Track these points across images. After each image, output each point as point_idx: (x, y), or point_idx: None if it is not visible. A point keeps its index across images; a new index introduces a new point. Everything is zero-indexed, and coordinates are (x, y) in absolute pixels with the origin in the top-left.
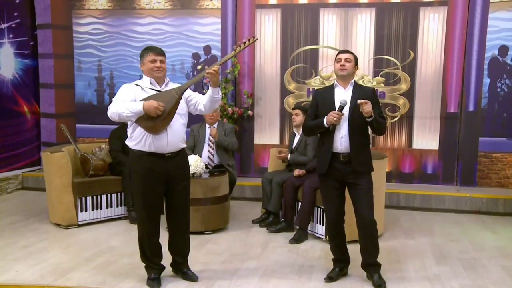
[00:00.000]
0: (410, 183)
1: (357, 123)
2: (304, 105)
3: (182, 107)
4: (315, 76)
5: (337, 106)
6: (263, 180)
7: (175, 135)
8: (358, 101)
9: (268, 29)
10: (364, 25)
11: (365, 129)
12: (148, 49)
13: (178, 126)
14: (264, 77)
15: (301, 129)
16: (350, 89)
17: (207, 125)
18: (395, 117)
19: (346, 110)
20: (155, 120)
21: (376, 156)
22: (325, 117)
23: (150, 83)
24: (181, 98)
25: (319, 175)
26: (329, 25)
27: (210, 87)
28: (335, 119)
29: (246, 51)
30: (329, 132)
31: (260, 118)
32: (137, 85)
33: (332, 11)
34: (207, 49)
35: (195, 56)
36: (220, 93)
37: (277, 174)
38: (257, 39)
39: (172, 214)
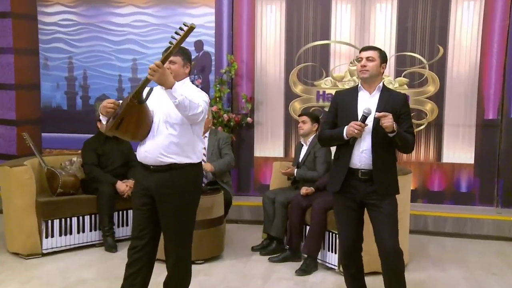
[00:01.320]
0: (439, 204)
1: (382, 136)
2: (313, 111)
3: (171, 116)
4: (326, 76)
5: (359, 114)
6: (265, 200)
7: (155, 146)
8: (376, 115)
9: (271, 22)
10: (384, 16)
11: (392, 144)
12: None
13: (163, 137)
14: (266, 78)
15: (309, 139)
16: (376, 95)
17: None
18: (421, 125)
19: (370, 120)
20: (109, 125)
21: (399, 172)
22: (345, 127)
23: None
24: (136, 102)
25: (332, 194)
26: (343, 17)
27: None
28: (356, 131)
29: (244, 47)
30: (348, 145)
31: (261, 126)
32: None
33: (346, 0)
34: (198, 44)
35: None
36: (179, 98)
37: (281, 193)
38: (194, 26)
39: (164, 242)
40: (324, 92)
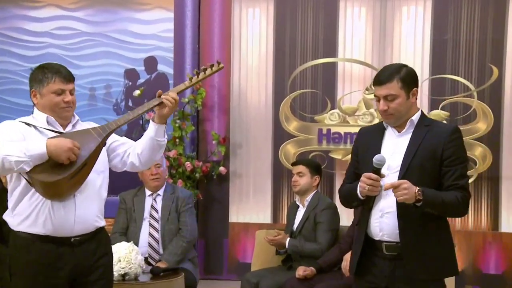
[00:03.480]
0: None
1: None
2: (312, 158)
3: (101, 160)
4: (332, 108)
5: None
6: (245, 285)
7: (88, 205)
8: (384, 187)
9: (254, 32)
10: (413, 25)
11: None
12: (49, 70)
13: (93, 191)
14: (247, 111)
15: (307, 199)
16: (408, 133)
17: (148, 192)
18: (469, 178)
19: (393, 170)
20: (61, 173)
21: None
22: (358, 183)
23: (48, 122)
24: (105, 144)
25: (352, 276)
26: (355, 25)
27: (152, 124)
28: (367, 187)
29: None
30: (367, 206)
31: (240, 179)
32: (27, 124)
33: (360, 2)
34: (150, 63)
35: (130, 74)
36: (166, 136)
37: (267, 275)
38: (223, 66)
39: None
40: (329, 130)
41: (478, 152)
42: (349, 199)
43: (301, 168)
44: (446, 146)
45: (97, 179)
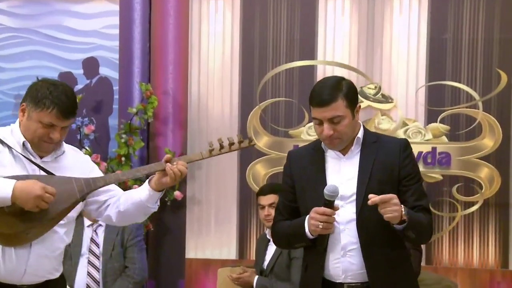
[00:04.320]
0: None
1: (378, 224)
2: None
3: (73, 209)
4: (310, 121)
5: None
6: None
7: (43, 257)
8: (370, 202)
9: (217, 28)
10: (407, 22)
11: (396, 232)
12: (51, 97)
13: (54, 241)
14: (208, 123)
15: None
16: (356, 153)
17: (87, 222)
18: (472, 204)
19: (347, 200)
20: (22, 223)
21: (436, 284)
22: (306, 219)
23: (24, 146)
24: (84, 199)
25: None
26: (337, 21)
27: (147, 187)
28: (320, 225)
29: (170, 71)
30: (319, 246)
31: (199, 206)
32: (1, 141)
33: None
34: (90, 65)
35: (66, 79)
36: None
37: None
38: (254, 144)
39: None
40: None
41: (484, 173)
42: (292, 240)
43: (272, 198)
44: (402, 164)
45: (62, 229)
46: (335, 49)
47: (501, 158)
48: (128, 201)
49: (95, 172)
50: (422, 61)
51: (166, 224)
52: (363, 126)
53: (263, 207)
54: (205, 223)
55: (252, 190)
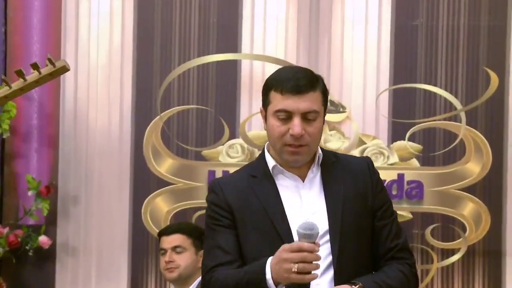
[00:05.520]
0: None
1: (359, 268)
2: (198, 222)
3: None
4: (231, 137)
5: (293, 230)
6: None
7: None
8: None
9: (101, 14)
10: (364, 4)
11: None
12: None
13: None
14: (88, 141)
15: None
16: (316, 178)
17: None
18: (452, 251)
19: (319, 239)
20: None
21: None
22: (267, 263)
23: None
24: None
25: None
26: (269, 3)
27: None
28: (295, 268)
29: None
30: None
31: (74, 257)
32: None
33: None
34: None
35: None
36: None
37: None
38: (68, 69)
39: None
40: (226, 173)
41: (468, 210)
42: None
43: (178, 239)
44: (375, 190)
45: None
46: (266, 39)
47: (490, 189)
48: None
49: None
50: (384, 57)
51: (26, 281)
52: (320, 149)
53: (164, 252)
54: (83, 278)
55: (150, 233)
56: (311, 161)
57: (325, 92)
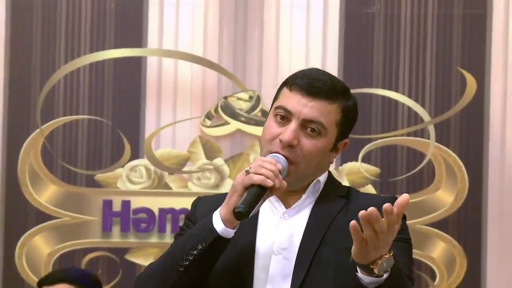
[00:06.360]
0: None
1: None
2: (88, 268)
3: None
4: (134, 157)
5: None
6: None
7: None
8: (364, 214)
9: None
10: None
11: None
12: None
13: None
14: None
15: None
16: (306, 207)
17: None
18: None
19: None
20: None
21: None
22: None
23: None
24: None
25: None
26: None
27: None
28: (263, 170)
29: None
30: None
31: None
32: None
33: None
34: None
35: None
36: None
37: None
38: None
39: None
40: (127, 203)
41: (438, 252)
42: (178, 251)
43: None
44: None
45: None
46: (180, 32)
47: (466, 224)
48: None
49: None
50: (332, 54)
51: None
52: (329, 172)
53: None
54: None
55: (26, 282)
56: (306, 186)
57: (347, 114)
